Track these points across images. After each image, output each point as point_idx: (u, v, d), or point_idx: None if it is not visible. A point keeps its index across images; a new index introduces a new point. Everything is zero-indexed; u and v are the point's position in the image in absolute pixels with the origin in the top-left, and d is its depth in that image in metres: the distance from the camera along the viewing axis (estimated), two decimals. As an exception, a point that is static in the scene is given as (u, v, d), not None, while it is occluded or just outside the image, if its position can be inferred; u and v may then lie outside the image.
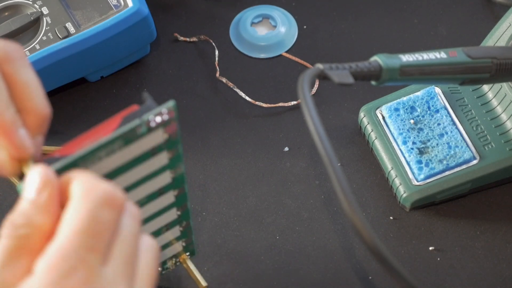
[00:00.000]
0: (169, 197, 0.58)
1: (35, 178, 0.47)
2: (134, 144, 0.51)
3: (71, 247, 0.45)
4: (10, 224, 0.46)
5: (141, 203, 0.57)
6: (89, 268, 0.45)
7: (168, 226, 0.61)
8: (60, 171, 0.48)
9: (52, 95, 0.77)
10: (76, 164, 0.49)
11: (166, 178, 0.56)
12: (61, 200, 0.47)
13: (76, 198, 0.46)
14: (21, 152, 0.49)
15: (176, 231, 0.62)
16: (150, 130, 0.51)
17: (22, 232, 0.46)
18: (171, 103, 0.51)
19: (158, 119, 0.51)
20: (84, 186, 0.46)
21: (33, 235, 0.46)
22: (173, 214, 0.60)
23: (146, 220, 0.58)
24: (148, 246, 0.48)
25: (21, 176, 0.50)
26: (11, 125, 0.49)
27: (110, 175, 0.52)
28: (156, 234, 0.60)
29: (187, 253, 0.65)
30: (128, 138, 0.50)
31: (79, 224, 0.45)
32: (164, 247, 0.63)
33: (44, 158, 0.50)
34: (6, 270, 0.45)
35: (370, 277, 0.69)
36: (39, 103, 0.51)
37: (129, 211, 0.47)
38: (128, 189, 0.54)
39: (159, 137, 0.52)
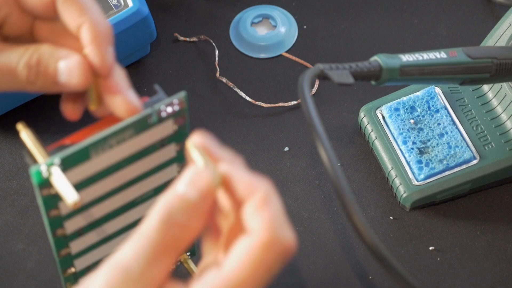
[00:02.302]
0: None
1: (201, 181, 0.46)
2: (144, 133, 0.51)
3: None
4: (168, 219, 0.45)
5: (147, 196, 0.57)
6: None
7: None
8: (70, 158, 0.49)
9: (52, 95, 0.77)
10: (87, 151, 0.49)
11: (172, 171, 0.56)
12: (237, 201, 0.47)
13: (256, 243, 0.45)
14: (103, 67, 0.50)
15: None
16: (160, 120, 0.51)
17: (178, 232, 0.46)
18: (182, 94, 0.51)
19: (169, 109, 0.51)
20: (268, 233, 0.46)
21: (185, 237, 0.46)
22: None
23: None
24: None
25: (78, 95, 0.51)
26: (104, 36, 0.51)
27: (119, 165, 0.52)
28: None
29: (188, 253, 0.65)
30: (139, 127, 0.51)
31: (256, 275, 0.45)
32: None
33: (54, 146, 0.50)
34: (156, 265, 0.45)
35: (370, 277, 0.69)
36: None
37: None
38: (135, 181, 0.54)
39: (168, 128, 0.52)
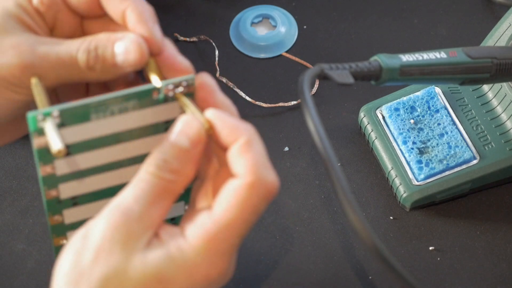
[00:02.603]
0: None
1: (191, 130, 0.50)
2: (148, 109, 0.52)
3: (232, 233, 0.49)
4: (164, 165, 0.50)
5: None
6: (235, 253, 0.50)
7: (175, 220, 0.60)
8: (68, 113, 0.49)
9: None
10: (87, 109, 0.50)
11: None
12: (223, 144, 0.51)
13: (242, 185, 0.49)
14: (152, 41, 0.53)
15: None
16: (166, 99, 0.52)
17: (173, 177, 0.50)
18: (191, 76, 0.52)
19: (178, 89, 0.52)
20: (253, 176, 0.49)
21: (180, 181, 0.50)
22: (180, 210, 0.59)
23: None
24: None
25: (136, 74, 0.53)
26: (148, 15, 0.54)
27: (122, 136, 0.52)
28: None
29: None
30: (143, 99, 0.51)
31: (241, 214, 0.49)
32: None
33: (57, 104, 0.51)
34: (154, 207, 0.49)
35: (370, 277, 0.69)
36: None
37: None
38: (136, 160, 0.54)
39: (174, 110, 0.53)
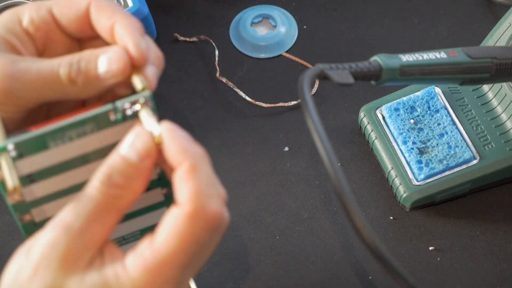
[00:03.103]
0: (158, 195, 0.57)
1: (140, 144, 0.48)
2: (108, 130, 0.51)
3: (171, 265, 0.47)
4: (107, 180, 0.48)
5: None
6: (178, 283, 0.48)
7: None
8: (25, 144, 0.49)
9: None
10: (44, 138, 0.49)
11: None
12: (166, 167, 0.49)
13: (183, 213, 0.47)
14: (136, 52, 0.51)
15: None
16: (125, 118, 0.51)
17: (118, 192, 0.48)
18: (147, 93, 0.51)
19: (135, 107, 0.50)
20: (194, 204, 0.47)
21: (125, 197, 0.48)
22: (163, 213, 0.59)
23: (134, 215, 0.58)
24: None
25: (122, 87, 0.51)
26: (135, 27, 0.52)
27: (84, 158, 0.51)
28: (149, 229, 0.60)
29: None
30: (101, 122, 0.50)
31: (184, 246, 0.47)
32: None
33: (16, 131, 0.50)
34: (95, 225, 0.47)
35: (370, 277, 0.69)
36: (154, 45, 0.54)
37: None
38: None
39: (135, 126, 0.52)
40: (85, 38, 0.55)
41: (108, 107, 0.50)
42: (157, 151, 0.49)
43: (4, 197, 0.51)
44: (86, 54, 0.52)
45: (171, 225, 0.47)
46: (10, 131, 0.52)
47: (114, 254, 0.48)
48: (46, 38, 0.54)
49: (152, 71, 0.53)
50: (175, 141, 0.48)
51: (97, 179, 0.48)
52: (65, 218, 0.47)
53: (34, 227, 0.53)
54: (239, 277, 0.69)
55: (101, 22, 0.53)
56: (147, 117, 0.50)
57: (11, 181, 0.48)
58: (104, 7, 0.53)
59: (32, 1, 0.75)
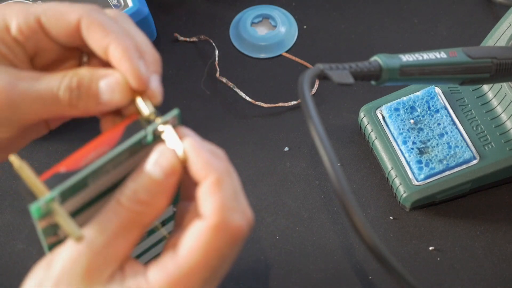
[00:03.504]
0: (168, 211, 0.58)
1: (165, 161, 0.48)
2: (140, 153, 0.51)
3: (194, 277, 0.47)
4: (133, 197, 0.48)
5: None
6: None
7: (164, 222, 0.61)
8: (68, 190, 0.48)
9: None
10: (85, 180, 0.49)
11: None
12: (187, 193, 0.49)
13: (207, 227, 0.47)
14: (138, 81, 0.50)
15: (170, 226, 0.62)
16: (156, 139, 0.51)
17: (142, 209, 0.48)
18: (175, 112, 0.51)
19: (166, 127, 0.51)
20: (217, 217, 0.47)
21: (149, 213, 0.48)
22: (169, 211, 0.60)
23: None
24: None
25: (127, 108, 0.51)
26: (132, 51, 0.51)
27: (114, 186, 0.51)
28: (151, 232, 0.60)
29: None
30: (134, 149, 0.50)
31: (207, 260, 0.47)
32: (159, 242, 0.63)
33: (50, 174, 0.49)
34: (119, 240, 0.47)
35: (370, 277, 0.69)
36: (151, 46, 0.53)
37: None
38: None
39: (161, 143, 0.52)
40: (75, 47, 0.54)
41: (141, 134, 0.50)
42: (182, 168, 0.49)
43: (42, 241, 0.51)
44: (85, 77, 0.51)
45: (195, 238, 0.47)
46: (10, 150, 0.52)
47: (135, 268, 0.48)
48: (36, 46, 0.53)
49: (156, 82, 0.52)
50: (199, 156, 0.48)
51: (122, 194, 0.48)
52: (88, 234, 0.47)
53: (57, 243, 0.53)
54: (239, 277, 0.69)
55: (94, 41, 0.52)
56: (170, 134, 0.50)
57: (76, 232, 0.48)
58: (97, 25, 0.51)
59: (32, 1, 0.75)
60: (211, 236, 0.47)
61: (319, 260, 0.70)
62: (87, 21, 0.51)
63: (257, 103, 0.78)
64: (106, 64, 0.52)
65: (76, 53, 0.55)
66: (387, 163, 0.72)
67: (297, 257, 0.70)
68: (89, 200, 0.51)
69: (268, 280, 0.69)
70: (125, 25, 0.53)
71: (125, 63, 0.51)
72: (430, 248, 0.70)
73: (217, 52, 0.80)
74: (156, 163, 0.48)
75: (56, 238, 0.51)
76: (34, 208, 0.48)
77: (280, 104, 0.77)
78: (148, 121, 0.51)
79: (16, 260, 0.70)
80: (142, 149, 0.51)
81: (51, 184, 0.49)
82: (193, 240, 0.47)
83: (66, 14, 0.52)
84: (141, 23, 0.75)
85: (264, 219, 0.72)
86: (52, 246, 0.52)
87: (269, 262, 0.70)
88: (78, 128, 0.74)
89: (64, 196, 0.49)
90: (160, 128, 0.51)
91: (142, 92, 0.51)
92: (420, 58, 0.63)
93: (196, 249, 0.47)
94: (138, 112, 0.52)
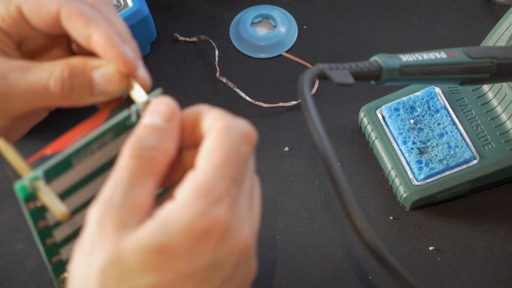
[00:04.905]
0: None
1: (162, 107, 0.48)
2: (124, 134, 0.51)
3: (217, 177, 0.46)
4: (137, 145, 0.47)
5: None
6: (232, 198, 0.46)
7: None
8: (52, 169, 0.48)
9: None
10: (69, 159, 0.49)
11: None
12: (191, 133, 0.49)
13: (216, 132, 0.47)
14: (127, 66, 0.50)
15: None
16: (139, 118, 0.51)
17: (150, 154, 0.47)
18: (158, 91, 0.51)
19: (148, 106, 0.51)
20: (223, 121, 0.48)
21: (159, 158, 0.47)
22: None
23: None
24: (257, 181, 0.51)
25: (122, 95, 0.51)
26: (116, 37, 0.51)
27: (102, 169, 0.51)
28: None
29: None
30: (118, 129, 0.50)
31: (224, 156, 0.47)
32: None
33: (35, 156, 0.49)
34: (136, 190, 0.46)
35: (370, 277, 0.69)
36: (130, 34, 0.54)
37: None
38: None
39: None
40: (58, 35, 0.54)
41: (124, 114, 0.50)
42: (178, 114, 0.49)
43: (31, 226, 0.51)
44: (78, 67, 0.51)
45: (211, 144, 0.47)
46: (9, 138, 0.52)
47: (162, 205, 0.47)
48: (20, 35, 0.53)
49: (142, 68, 0.52)
50: (211, 111, 0.49)
51: (127, 147, 0.47)
52: (104, 195, 0.46)
53: (54, 247, 0.53)
54: (239, 277, 0.69)
55: (76, 30, 0.51)
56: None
57: (59, 208, 0.48)
58: (76, 14, 0.51)
59: None
60: (225, 135, 0.47)
61: (319, 260, 0.70)
62: (66, 11, 0.51)
63: (257, 103, 0.78)
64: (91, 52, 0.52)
65: (64, 39, 0.55)
66: (387, 163, 0.72)
67: (297, 257, 0.70)
68: (77, 182, 0.51)
69: (268, 280, 0.69)
70: (105, 12, 0.53)
71: (110, 48, 0.51)
72: (430, 248, 0.70)
73: (217, 52, 0.80)
74: (153, 113, 0.48)
75: (45, 222, 0.51)
76: (19, 187, 0.48)
77: (280, 104, 0.77)
78: (133, 103, 0.51)
79: (16, 260, 0.70)
80: (127, 130, 0.51)
81: (37, 165, 0.49)
82: (210, 146, 0.47)
83: (46, 3, 0.52)
84: (141, 23, 0.75)
85: (264, 219, 0.72)
86: (41, 232, 0.51)
87: (269, 262, 0.70)
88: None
89: (49, 175, 0.49)
90: (144, 108, 0.51)
91: (131, 74, 0.51)
92: (420, 58, 0.63)
93: (216, 151, 0.47)
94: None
